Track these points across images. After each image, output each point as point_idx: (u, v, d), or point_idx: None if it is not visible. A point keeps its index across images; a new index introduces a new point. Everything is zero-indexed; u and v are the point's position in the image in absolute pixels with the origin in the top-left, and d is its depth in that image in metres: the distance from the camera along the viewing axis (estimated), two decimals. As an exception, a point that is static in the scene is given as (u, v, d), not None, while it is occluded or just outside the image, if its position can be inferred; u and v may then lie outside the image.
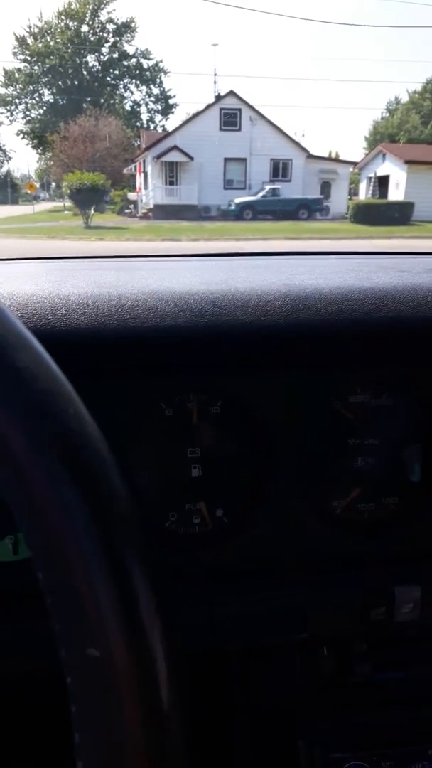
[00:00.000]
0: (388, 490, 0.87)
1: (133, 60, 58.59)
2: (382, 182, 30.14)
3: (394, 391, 0.85)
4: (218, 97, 31.34)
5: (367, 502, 0.87)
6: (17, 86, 56.46)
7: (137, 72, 58.80)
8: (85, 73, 57.23)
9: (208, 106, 30.76)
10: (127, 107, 59.51)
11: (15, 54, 56.38)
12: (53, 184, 55.58)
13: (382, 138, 51.12)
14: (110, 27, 56.94)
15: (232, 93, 30.54)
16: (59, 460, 0.26)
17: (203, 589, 0.80)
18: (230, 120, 30.19)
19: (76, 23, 56.02)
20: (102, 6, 55.80)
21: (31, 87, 56.53)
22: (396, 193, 28.30)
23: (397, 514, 0.87)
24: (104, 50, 57.60)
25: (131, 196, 32.00)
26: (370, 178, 31.07)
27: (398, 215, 23.09)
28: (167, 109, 60.99)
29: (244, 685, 0.98)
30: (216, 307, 0.73)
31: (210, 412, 0.82)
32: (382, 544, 0.86)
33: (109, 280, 0.79)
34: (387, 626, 0.83)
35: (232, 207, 25.86)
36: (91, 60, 57.83)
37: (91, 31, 57.06)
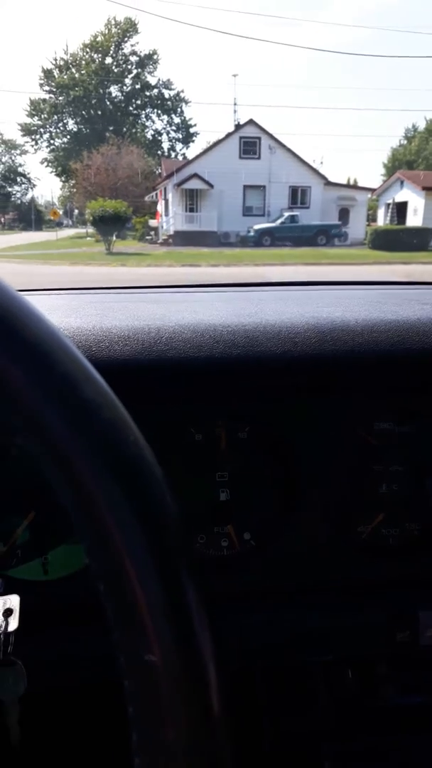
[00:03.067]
0: (412, 515, 0.89)
1: (155, 90, 59.79)
2: (401, 208, 30.21)
3: (418, 419, 0.87)
4: (238, 126, 31.77)
5: (391, 527, 0.89)
6: (42, 116, 57.78)
7: (159, 102, 59.92)
8: (108, 103, 58.44)
9: (228, 135, 31.17)
10: (149, 136, 60.54)
11: (41, 85, 57.95)
12: (76, 211, 56.47)
13: (400, 165, 51.37)
14: (133, 59, 58.34)
15: (251, 122, 30.95)
16: (120, 483, 0.28)
17: (229, 610, 0.82)
18: (250, 148, 30.56)
19: (100, 56, 57.46)
20: (126, 39, 57.26)
21: (55, 117, 57.80)
22: (414, 219, 28.34)
23: (421, 540, 0.89)
24: (127, 81, 58.87)
25: (152, 222, 32.38)
26: (389, 204, 31.17)
27: (416, 241, 23.09)
28: (188, 138, 61.98)
29: (269, 705, 0.99)
30: (248, 339, 0.77)
31: (238, 437, 0.84)
32: (406, 569, 0.88)
33: (147, 313, 0.83)
34: (412, 650, 0.85)
35: (251, 233, 26.02)
36: (114, 90, 59.14)
37: (115, 63, 58.45)
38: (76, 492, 0.28)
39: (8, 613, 0.64)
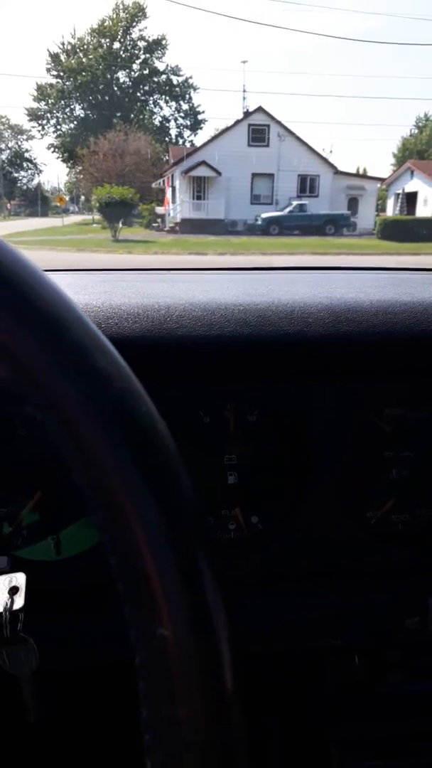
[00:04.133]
0: (423, 502, 0.88)
1: (163, 76, 59.36)
2: (410, 199, 30.02)
3: (430, 404, 0.86)
4: (247, 113, 31.61)
5: (401, 513, 0.88)
6: (49, 101, 57.52)
7: (167, 88, 59.52)
8: (115, 88, 58.09)
9: (237, 122, 31.02)
10: (157, 122, 60.17)
11: (48, 70, 57.61)
12: (82, 198, 56.30)
13: (411, 154, 50.93)
14: (141, 44, 57.88)
15: (260, 109, 30.76)
16: (133, 454, 0.28)
17: (238, 594, 0.82)
18: (258, 136, 30.40)
19: (108, 40, 57.04)
20: (134, 24, 56.79)
21: (62, 102, 57.53)
22: (424, 209, 28.18)
23: (431, 526, 0.88)
24: (135, 67, 58.46)
25: (159, 210, 32.28)
26: (398, 194, 30.95)
27: (426, 232, 22.94)
28: (196, 125, 61.60)
29: (277, 690, 0.99)
30: (260, 318, 0.75)
31: (247, 421, 0.84)
32: (416, 555, 0.87)
33: (157, 291, 0.82)
34: (421, 636, 0.84)
35: (259, 222, 25.90)
36: (122, 76, 58.78)
37: (123, 48, 58.02)
38: (88, 463, 0.28)
39: (14, 591, 0.64)
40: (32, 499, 0.81)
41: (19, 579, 0.65)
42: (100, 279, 0.99)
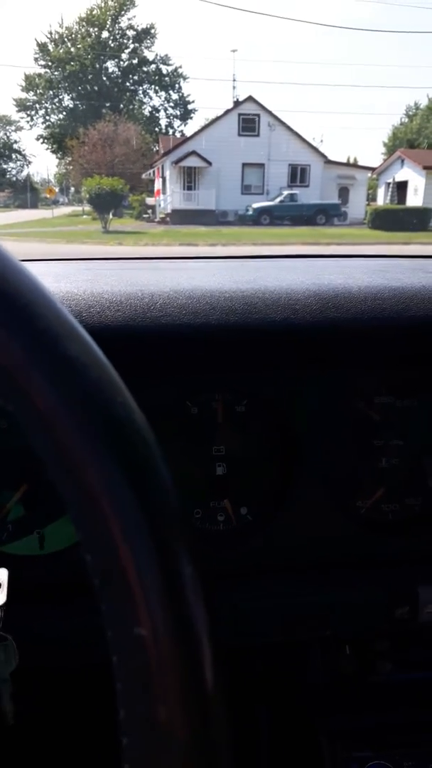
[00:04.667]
0: (413, 491, 0.87)
1: (153, 66, 58.84)
2: (401, 188, 29.99)
3: (420, 392, 0.85)
4: (237, 103, 31.45)
5: (391, 502, 0.87)
6: (37, 91, 56.92)
7: (156, 77, 59.03)
8: (104, 78, 57.57)
9: (227, 112, 30.84)
10: (146, 112, 59.72)
11: (36, 60, 56.94)
12: (72, 189, 55.92)
13: (401, 143, 50.88)
14: (130, 33, 57.31)
15: (250, 98, 30.60)
16: (108, 446, 0.27)
17: (227, 586, 0.81)
18: (249, 125, 30.26)
19: (96, 30, 56.43)
20: (122, 13, 56.19)
21: (51, 92, 56.95)
22: (414, 198, 28.16)
23: (421, 515, 0.88)
24: (124, 56, 57.91)
25: (149, 200, 32.13)
26: (389, 183, 30.92)
27: (416, 221, 22.94)
28: (186, 115, 61.16)
29: (266, 681, 0.98)
30: (246, 305, 0.74)
31: (235, 411, 0.82)
32: (406, 544, 0.86)
33: (141, 279, 0.80)
34: (411, 626, 0.84)
35: (250, 212, 25.83)
36: (111, 66, 58.23)
37: (112, 38, 57.43)
38: (60, 456, 0.27)
39: None
40: (17, 492, 0.80)
41: (2, 575, 0.64)
42: (84, 267, 0.98)
